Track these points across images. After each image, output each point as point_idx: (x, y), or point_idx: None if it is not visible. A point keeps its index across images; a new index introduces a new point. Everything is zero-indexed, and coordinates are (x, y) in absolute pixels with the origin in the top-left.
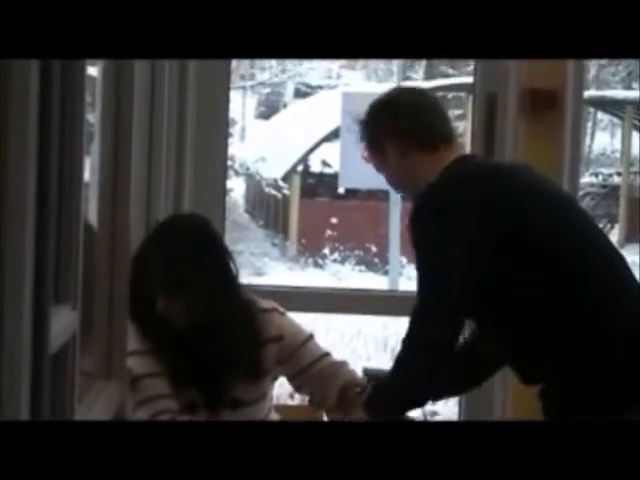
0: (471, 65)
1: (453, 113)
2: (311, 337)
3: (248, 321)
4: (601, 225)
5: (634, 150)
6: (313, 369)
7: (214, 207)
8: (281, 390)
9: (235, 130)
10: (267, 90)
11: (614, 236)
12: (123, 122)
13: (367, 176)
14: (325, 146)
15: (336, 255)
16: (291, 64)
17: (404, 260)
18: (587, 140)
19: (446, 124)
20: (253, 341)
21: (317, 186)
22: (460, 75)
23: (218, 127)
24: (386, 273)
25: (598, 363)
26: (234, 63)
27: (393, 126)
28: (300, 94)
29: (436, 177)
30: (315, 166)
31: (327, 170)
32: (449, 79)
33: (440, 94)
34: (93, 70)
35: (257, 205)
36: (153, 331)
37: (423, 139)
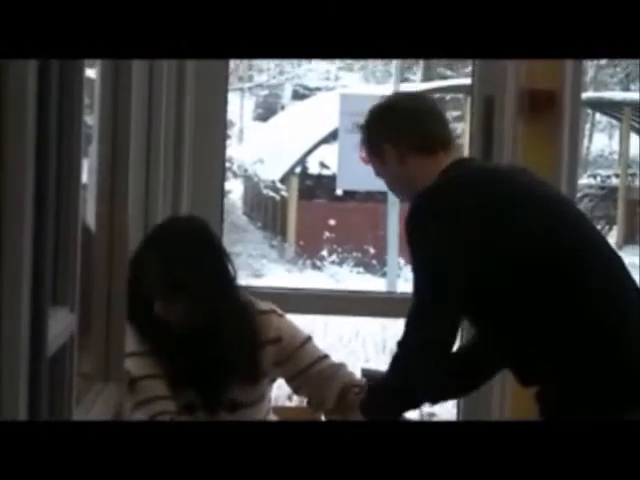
0: (469, 67)
1: (451, 115)
2: (309, 339)
3: (246, 323)
4: (599, 227)
5: (632, 152)
6: (311, 371)
7: (212, 209)
8: (279, 392)
9: (233, 132)
10: (265, 92)
11: (612, 238)
12: (121, 124)
13: (365, 178)
14: (323, 148)
15: (334, 257)
16: (289, 66)
17: (402, 262)
18: (585, 142)
19: (445, 129)
20: (251, 343)
21: (315, 188)
22: (458, 77)
23: (216, 129)
24: (384, 275)
25: (596, 365)
26: (232, 65)
27: (392, 131)
28: (298, 96)
29: (433, 180)
30: (313, 168)
31: (325, 172)
32: (447, 81)
33: (438, 96)
34: (91, 72)
35: (255, 207)
36: (151, 333)
37: (422, 143)
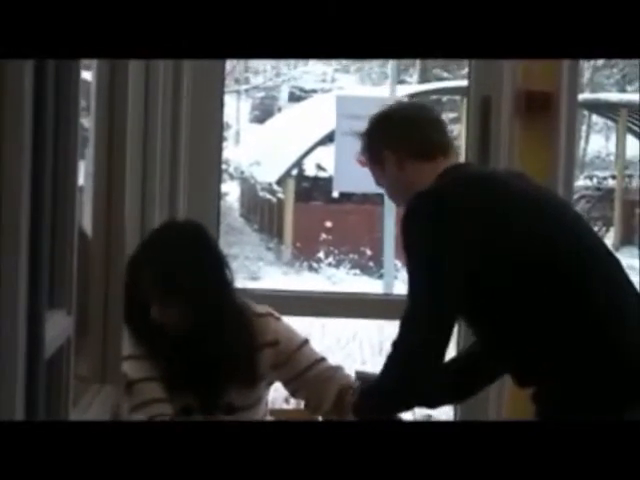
0: (465, 68)
1: (448, 116)
2: (306, 342)
3: (243, 326)
4: (596, 228)
5: (629, 153)
6: (309, 374)
7: (208, 211)
8: (276, 395)
9: (229, 134)
10: (261, 94)
11: (609, 239)
12: (117, 126)
13: (362, 180)
14: (320, 150)
15: (331, 259)
16: (285, 68)
17: (399, 264)
18: (582, 143)
19: (444, 135)
20: (248, 346)
21: (312, 190)
22: (454, 78)
23: (212, 131)
24: (381, 277)
25: (593, 367)
26: (228, 67)
27: (392, 137)
28: (294, 98)
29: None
30: (310, 170)
31: (322, 174)
32: (443, 82)
33: (434, 97)
34: (87, 74)
35: (252, 209)
36: (148, 336)
37: (421, 149)
